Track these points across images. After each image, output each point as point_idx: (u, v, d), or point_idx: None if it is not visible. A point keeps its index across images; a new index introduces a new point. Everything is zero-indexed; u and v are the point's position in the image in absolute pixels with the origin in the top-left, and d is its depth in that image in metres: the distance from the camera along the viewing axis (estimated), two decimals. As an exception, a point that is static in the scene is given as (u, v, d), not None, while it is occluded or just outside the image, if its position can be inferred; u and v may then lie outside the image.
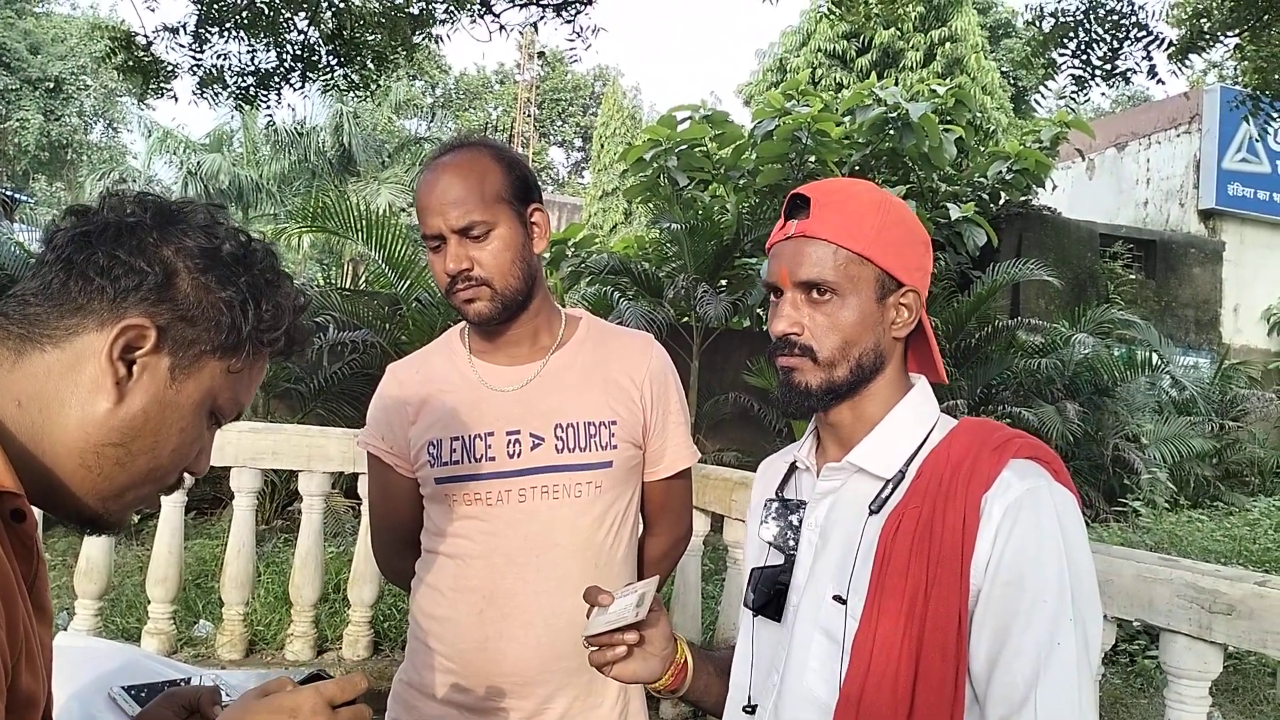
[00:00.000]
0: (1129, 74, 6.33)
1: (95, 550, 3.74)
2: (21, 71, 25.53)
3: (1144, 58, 6.13)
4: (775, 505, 1.26)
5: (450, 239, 1.54)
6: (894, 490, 1.15)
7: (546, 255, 9.67)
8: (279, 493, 7.22)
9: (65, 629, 3.85)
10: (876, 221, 1.16)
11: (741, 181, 9.43)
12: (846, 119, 9.66)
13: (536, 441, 1.60)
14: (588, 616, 1.26)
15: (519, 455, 1.59)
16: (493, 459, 1.59)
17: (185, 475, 0.96)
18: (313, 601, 4.00)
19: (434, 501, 1.67)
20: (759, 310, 9.67)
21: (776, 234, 1.21)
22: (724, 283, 9.46)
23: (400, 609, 4.64)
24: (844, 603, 1.13)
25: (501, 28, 6.97)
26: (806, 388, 1.17)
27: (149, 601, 3.91)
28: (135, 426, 0.86)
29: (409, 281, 7.64)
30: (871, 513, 1.14)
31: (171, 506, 3.86)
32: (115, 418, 0.85)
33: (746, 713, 1.24)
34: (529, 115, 33.81)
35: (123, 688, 1.55)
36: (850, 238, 1.15)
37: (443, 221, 1.53)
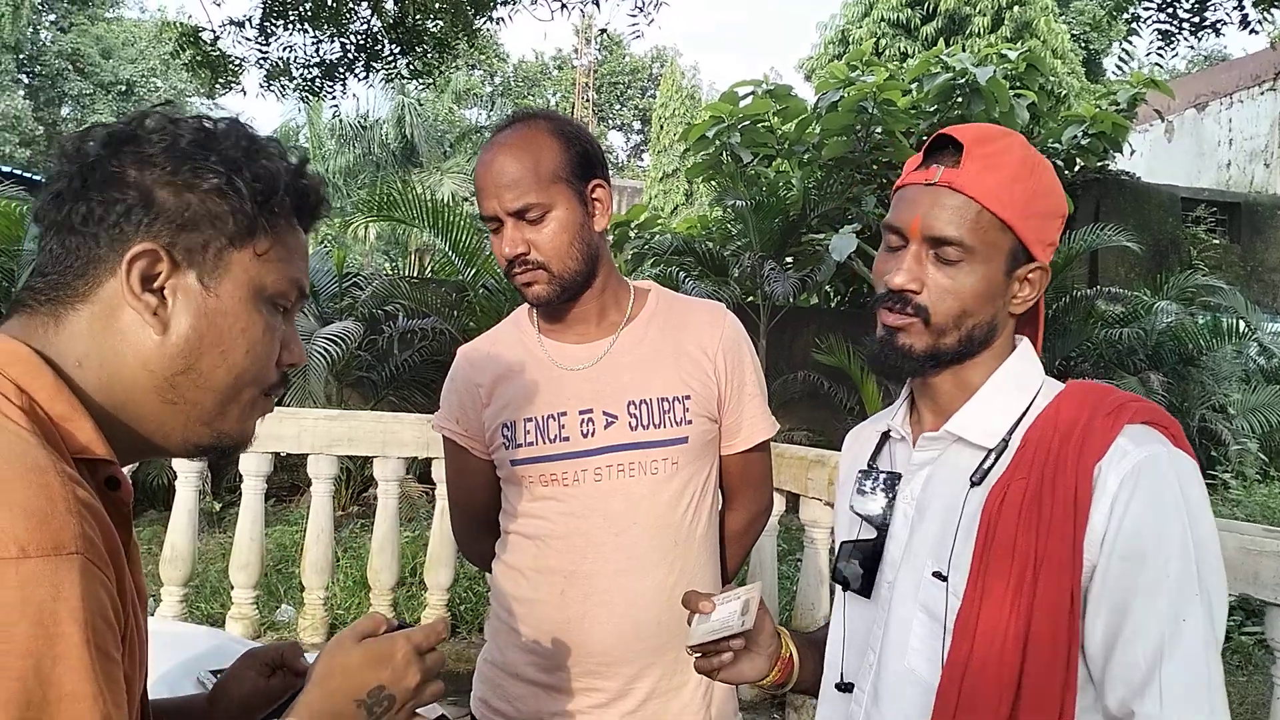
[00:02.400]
0: (1219, 26, 5.99)
1: (179, 538, 3.83)
2: (95, 76, 26.36)
3: (1235, 7, 5.80)
4: (867, 476, 1.20)
5: (506, 222, 1.51)
6: (996, 460, 1.08)
7: (610, 235, 9.65)
8: (354, 479, 7.35)
9: (153, 615, 3.95)
10: (1028, 187, 1.07)
11: (806, 156, 9.26)
12: (913, 87, 9.42)
13: (610, 420, 1.57)
14: (689, 624, 1.22)
15: (593, 434, 1.57)
16: (567, 439, 1.57)
17: (286, 370, 0.93)
18: (390, 585, 4.05)
19: (511, 483, 1.66)
20: (827, 287, 9.53)
21: (912, 174, 1.12)
22: (790, 260, 9.32)
23: (475, 592, 4.68)
24: (944, 579, 1.07)
25: (564, 5, 6.93)
26: (909, 350, 1.09)
27: (232, 587, 3.99)
28: (194, 346, 0.84)
29: (475, 269, 7.67)
30: (973, 484, 1.08)
31: (252, 493, 3.93)
32: (169, 346, 0.83)
33: (843, 692, 1.19)
34: (587, 100, 33.80)
35: (211, 671, 1.56)
36: (998, 200, 1.06)
37: (498, 204, 1.50)
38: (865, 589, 1.16)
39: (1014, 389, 1.12)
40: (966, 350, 1.10)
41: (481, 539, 1.76)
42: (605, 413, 1.57)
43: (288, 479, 7.12)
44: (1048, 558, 0.99)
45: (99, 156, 0.84)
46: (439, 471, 4.00)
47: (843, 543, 1.21)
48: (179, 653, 1.61)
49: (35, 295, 0.84)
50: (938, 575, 1.07)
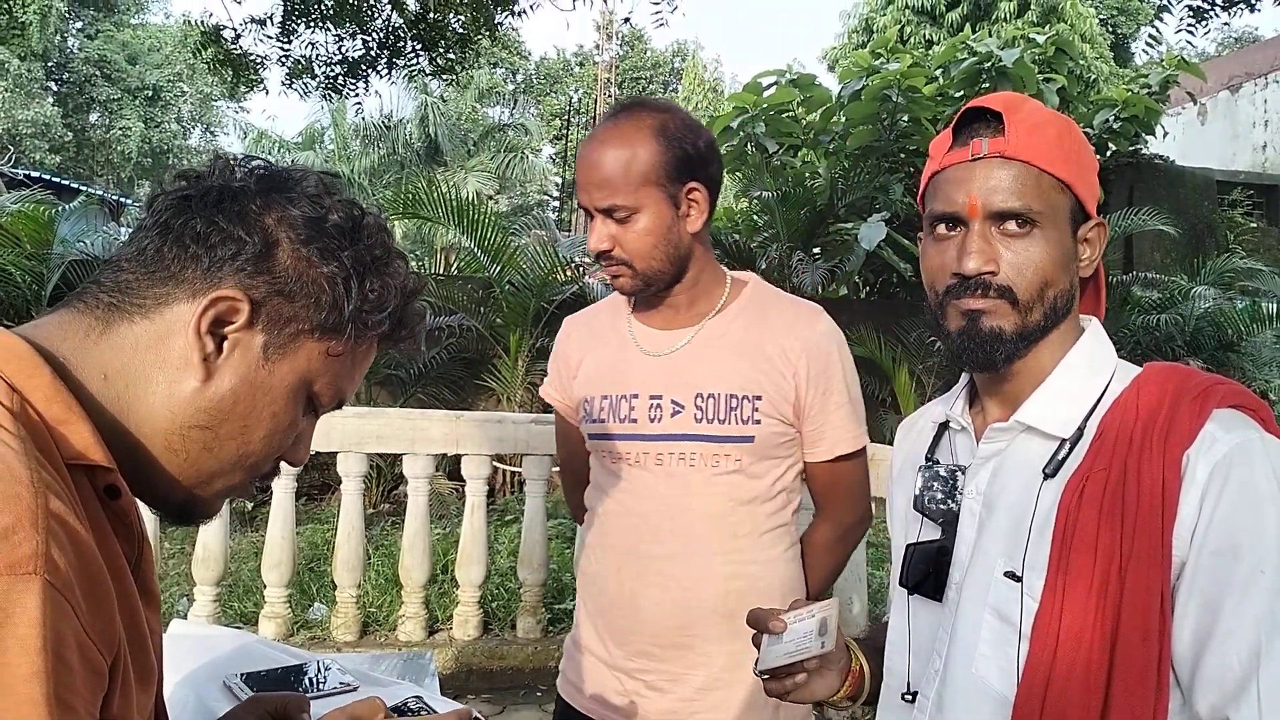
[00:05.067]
0: (1254, 1, 5.84)
1: (211, 538, 3.81)
2: (122, 82, 26.62)
3: (1269, -18, 5.65)
4: (928, 471, 1.13)
5: (596, 217, 1.53)
6: (1071, 450, 1.01)
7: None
8: (384, 477, 7.35)
9: (186, 616, 3.95)
10: (1071, 142, 1.02)
11: (832, 145, 9.15)
12: (939, 73, 9.28)
13: (677, 409, 1.59)
14: (755, 644, 1.15)
15: (659, 420, 1.59)
16: (634, 421, 1.61)
17: (281, 464, 0.89)
18: (422, 583, 4.02)
19: (591, 456, 1.72)
20: (856, 278, 9.42)
21: (949, 154, 1.05)
22: (818, 250, 9.20)
23: (507, 589, 4.65)
24: (1018, 580, 0.99)
25: (585, -6, 6.87)
26: (999, 334, 1.02)
27: (265, 586, 3.98)
28: (224, 408, 0.80)
29: (501, 266, 7.64)
30: (1046, 477, 1.01)
31: (283, 493, 3.91)
32: (202, 398, 0.79)
33: (906, 701, 1.12)
34: (609, 96, 33.74)
35: (238, 675, 1.51)
36: (1051, 160, 1.00)
37: (588, 200, 1.52)
38: (935, 591, 1.09)
39: (1087, 373, 1.05)
40: (1051, 323, 1.03)
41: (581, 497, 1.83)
42: (673, 401, 1.59)
43: (318, 477, 7.14)
44: (1134, 554, 0.92)
45: (245, 188, 0.82)
46: (468, 468, 4.00)
47: (908, 546, 1.13)
48: (206, 657, 1.56)
49: (99, 292, 0.79)
50: (1010, 575, 1.00)
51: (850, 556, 1.83)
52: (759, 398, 1.56)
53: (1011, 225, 1.01)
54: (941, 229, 1.06)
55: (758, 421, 1.56)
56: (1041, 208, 1.00)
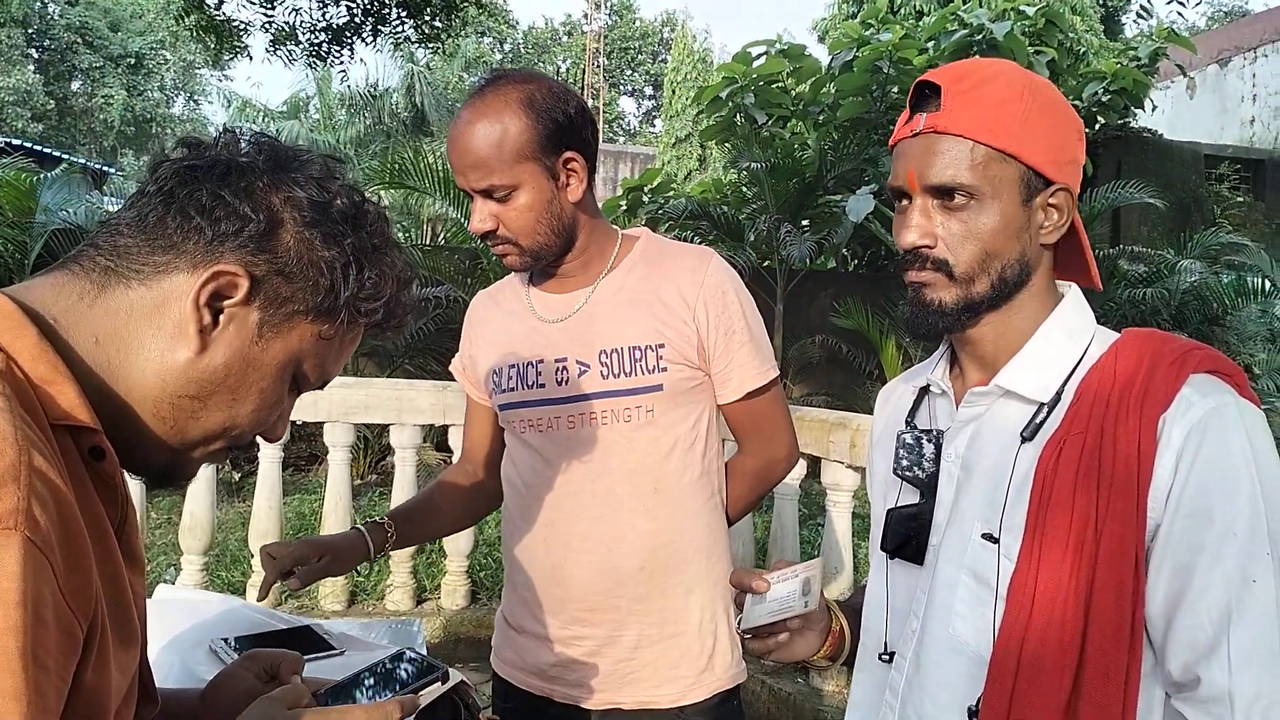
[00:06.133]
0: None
1: (198, 506, 3.82)
2: (104, 49, 26.26)
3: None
4: (907, 435, 1.14)
5: (476, 198, 1.52)
6: (1049, 414, 1.02)
7: (623, 203, 9.55)
8: (372, 447, 7.34)
9: (174, 584, 3.95)
10: (1020, 109, 1.01)
11: (822, 117, 9.13)
12: (930, 45, 9.24)
13: (583, 369, 1.59)
14: (738, 604, 1.17)
15: (567, 383, 1.59)
16: (543, 386, 1.61)
17: (258, 438, 0.90)
18: (409, 552, 4.04)
19: (504, 431, 1.72)
20: (845, 250, 9.43)
21: (901, 129, 1.07)
22: (807, 222, 9.20)
23: (495, 559, 4.67)
24: (995, 541, 1.01)
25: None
26: (940, 305, 1.04)
27: (252, 556, 3.99)
28: (214, 380, 0.81)
29: (488, 236, 7.60)
30: (1024, 440, 1.02)
31: (269, 463, 3.92)
32: (194, 368, 0.79)
33: (883, 661, 1.14)
34: (598, 66, 33.47)
35: (223, 639, 1.52)
36: (989, 132, 1.00)
37: (465, 182, 1.51)
38: (916, 555, 1.11)
39: (1065, 339, 1.06)
40: (1002, 293, 1.04)
41: (460, 477, 1.84)
42: (578, 361, 1.59)
43: (305, 448, 7.13)
44: (1109, 516, 0.93)
45: (252, 164, 0.82)
46: (455, 439, 3.99)
47: (888, 510, 1.15)
48: (192, 621, 1.57)
49: (96, 255, 0.79)
50: (988, 537, 1.01)
51: (771, 490, 1.82)
52: (662, 346, 1.56)
53: (952, 199, 1.02)
54: (899, 202, 1.08)
55: (664, 369, 1.56)
56: (976, 180, 1.00)
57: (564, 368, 1.59)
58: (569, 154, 1.52)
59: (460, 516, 1.90)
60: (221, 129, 0.86)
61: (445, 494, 1.84)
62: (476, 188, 1.49)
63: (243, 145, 0.85)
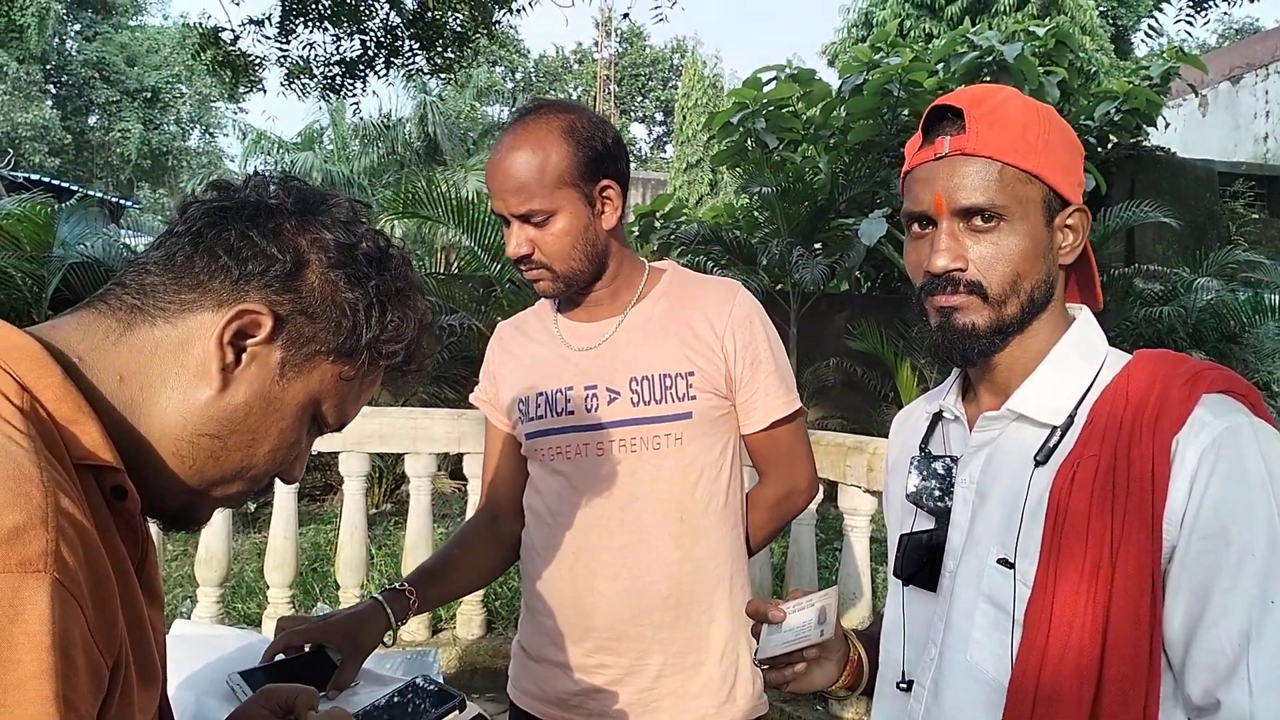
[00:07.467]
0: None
1: (214, 539, 3.82)
2: (121, 84, 26.66)
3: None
4: (921, 461, 1.13)
5: (513, 223, 1.53)
6: (1062, 437, 1.01)
7: (635, 228, 9.59)
8: (386, 476, 7.36)
9: (189, 617, 3.96)
10: (1039, 131, 1.02)
11: (833, 140, 9.14)
12: (939, 68, 9.26)
13: (613, 396, 1.59)
14: (754, 634, 1.16)
15: (596, 410, 1.59)
16: (571, 413, 1.61)
17: (275, 480, 0.90)
18: (425, 582, 4.02)
19: (529, 461, 1.71)
20: (858, 273, 9.42)
21: (917, 155, 1.07)
22: (819, 246, 9.20)
23: (510, 587, 4.65)
24: (1011, 567, 1.00)
25: (583, -10, 6.87)
26: (973, 329, 1.03)
27: (268, 587, 3.98)
28: (235, 419, 0.81)
29: (501, 264, 7.64)
30: (1038, 464, 1.01)
31: (284, 493, 3.92)
32: (215, 406, 0.80)
33: (901, 690, 1.13)
34: (609, 93, 33.73)
35: (239, 674, 1.51)
36: (1016, 153, 1.01)
37: (504, 206, 1.53)
38: (930, 582, 1.10)
39: (1078, 361, 1.05)
40: (1030, 314, 1.04)
41: (482, 526, 1.79)
42: (608, 389, 1.59)
43: (320, 478, 7.15)
44: (1125, 539, 0.92)
45: (281, 206, 0.84)
46: (471, 467, 3.99)
47: (901, 536, 1.14)
48: (208, 656, 1.56)
49: (123, 293, 0.80)
50: (1003, 563, 1.00)
51: (790, 522, 1.80)
52: (692, 374, 1.57)
53: (978, 221, 1.02)
54: (916, 228, 1.08)
55: (694, 398, 1.57)
56: (1006, 201, 1.01)
57: (594, 395, 1.60)
58: (606, 182, 1.54)
59: (485, 571, 1.83)
60: (251, 173, 0.88)
61: (468, 549, 1.78)
62: (516, 212, 1.51)
63: (271, 188, 0.86)
